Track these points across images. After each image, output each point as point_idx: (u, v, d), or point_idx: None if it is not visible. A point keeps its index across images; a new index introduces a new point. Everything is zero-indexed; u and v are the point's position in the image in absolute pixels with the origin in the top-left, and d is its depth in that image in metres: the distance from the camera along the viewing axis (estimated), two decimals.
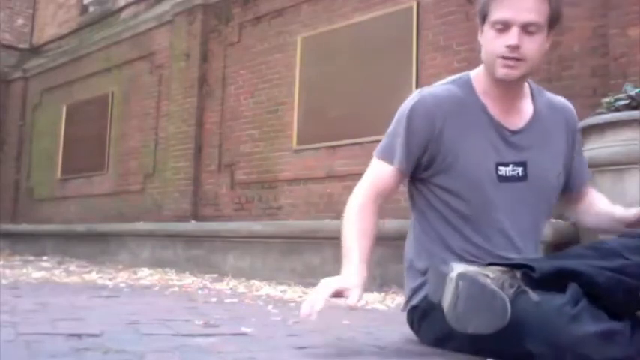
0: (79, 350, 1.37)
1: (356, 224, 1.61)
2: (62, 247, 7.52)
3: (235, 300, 3.14)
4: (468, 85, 1.65)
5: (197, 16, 6.95)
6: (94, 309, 2.33)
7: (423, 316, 1.60)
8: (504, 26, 1.50)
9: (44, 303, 2.42)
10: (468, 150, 1.59)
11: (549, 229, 3.50)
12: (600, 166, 3.17)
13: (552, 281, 1.35)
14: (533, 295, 1.32)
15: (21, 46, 10.76)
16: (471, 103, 1.63)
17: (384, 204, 1.68)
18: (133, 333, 1.70)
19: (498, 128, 1.61)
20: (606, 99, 3.34)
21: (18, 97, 10.14)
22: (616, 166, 3.10)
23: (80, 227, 7.48)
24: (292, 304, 3.01)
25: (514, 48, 1.50)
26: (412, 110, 1.64)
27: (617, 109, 3.22)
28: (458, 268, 1.37)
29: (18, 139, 9.98)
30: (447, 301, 1.35)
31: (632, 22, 3.81)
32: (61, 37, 9.94)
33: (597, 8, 4.06)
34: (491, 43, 1.54)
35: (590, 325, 1.26)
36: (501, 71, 1.54)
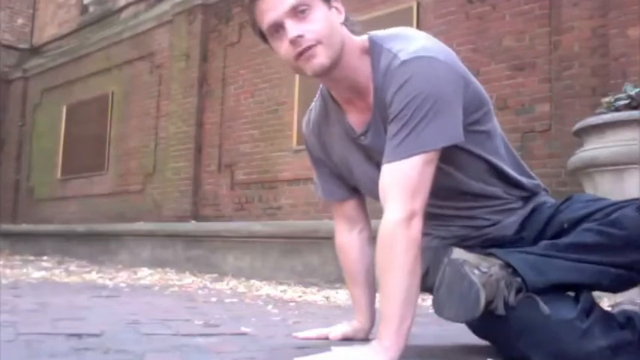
0: (79, 350, 1.37)
1: (344, 269, 1.71)
2: (62, 247, 7.52)
3: (235, 300, 3.13)
4: (327, 93, 1.56)
5: (197, 16, 6.95)
6: (94, 309, 2.32)
7: None
8: (278, 27, 1.36)
9: (44, 303, 2.42)
10: (352, 160, 1.55)
11: None
12: (600, 166, 3.17)
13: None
14: (544, 307, 1.27)
15: (21, 46, 10.76)
16: (332, 112, 1.57)
17: (366, 226, 1.69)
18: (133, 333, 1.70)
19: (350, 133, 1.51)
20: (606, 99, 3.34)
21: (18, 97, 10.14)
22: (616, 166, 3.10)
23: (80, 227, 7.49)
24: (292, 304, 3.01)
25: (297, 39, 1.33)
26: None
27: (617, 109, 3.21)
28: (455, 253, 1.35)
29: (18, 139, 9.98)
30: (435, 285, 1.35)
31: (632, 22, 3.81)
32: (61, 37, 9.94)
33: (597, 8, 4.06)
34: (281, 51, 1.39)
35: (601, 339, 1.25)
36: (308, 68, 1.36)
